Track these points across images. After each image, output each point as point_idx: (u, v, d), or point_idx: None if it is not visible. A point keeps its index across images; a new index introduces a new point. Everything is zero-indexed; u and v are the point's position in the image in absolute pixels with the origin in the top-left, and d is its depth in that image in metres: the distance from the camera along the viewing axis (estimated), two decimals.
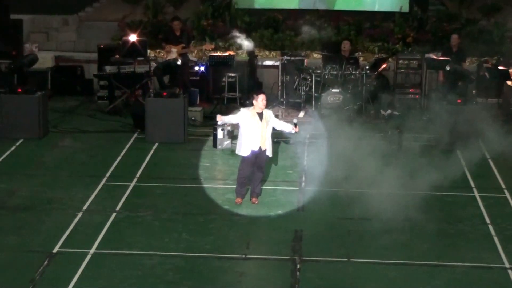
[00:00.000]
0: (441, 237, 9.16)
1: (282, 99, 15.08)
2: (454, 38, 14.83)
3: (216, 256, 8.53)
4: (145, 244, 8.82)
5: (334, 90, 14.08)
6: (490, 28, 16.57)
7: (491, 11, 17.19)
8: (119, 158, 11.91)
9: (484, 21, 16.98)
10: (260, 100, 9.72)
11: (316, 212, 9.83)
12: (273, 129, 10.01)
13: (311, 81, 14.40)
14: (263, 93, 9.92)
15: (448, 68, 13.87)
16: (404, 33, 16.64)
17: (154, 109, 12.70)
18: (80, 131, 13.40)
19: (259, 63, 16.07)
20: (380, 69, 14.89)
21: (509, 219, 9.79)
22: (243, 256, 8.58)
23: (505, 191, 10.76)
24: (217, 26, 17.08)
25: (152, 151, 12.24)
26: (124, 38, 14.99)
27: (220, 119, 10.04)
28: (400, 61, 15.65)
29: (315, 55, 16.22)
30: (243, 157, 9.85)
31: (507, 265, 8.47)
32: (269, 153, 9.89)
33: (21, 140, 12.54)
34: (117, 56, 14.73)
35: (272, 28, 17.09)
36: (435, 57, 14.75)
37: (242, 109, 9.99)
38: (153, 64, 14.76)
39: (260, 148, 9.77)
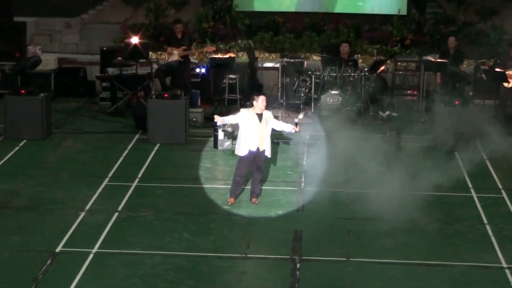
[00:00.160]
0: (440, 237, 9.22)
1: (282, 101, 15.18)
2: (452, 40, 14.90)
3: (216, 256, 8.60)
4: (147, 243, 8.89)
5: (333, 92, 14.17)
6: (487, 31, 16.65)
7: (488, 13, 17.27)
8: (121, 158, 11.99)
9: (481, 24, 17.06)
10: (260, 101, 9.82)
11: (315, 212, 9.89)
12: (273, 130, 10.10)
13: (311, 83, 14.49)
14: (264, 94, 10.03)
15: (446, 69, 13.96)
16: (402, 36, 16.72)
17: (156, 110, 12.78)
18: (83, 132, 13.46)
19: (259, 65, 16.15)
20: (378, 71, 14.96)
21: (506, 220, 9.86)
22: (244, 255, 8.66)
23: (503, 191, 10.82)
24: (218, 28, 17.18)
25: (153, 152, 12.31)
26: (126, 40, 15.08)
27: (218, 120, 10.13)
28: (398, 63, 15.74)
29: (314, 57, 16.30)
30: (241, 157, 9.95)
31: (504, 264, 8.54)
32: (267, 153, 9.98)
33: (24, 141, 12.62)
34: (120, 58, 14.81)
35: (272, 30, 17.19)
36: (432, 59, 14.83)
37: (242, 110, 10.09)
38: (155, 66, 14.84)
39: (258, 148, 9.86)
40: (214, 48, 15.89)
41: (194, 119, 13.77)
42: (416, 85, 15.56)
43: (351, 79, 14.53)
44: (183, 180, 11.08)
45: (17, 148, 12.36)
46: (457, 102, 12.70)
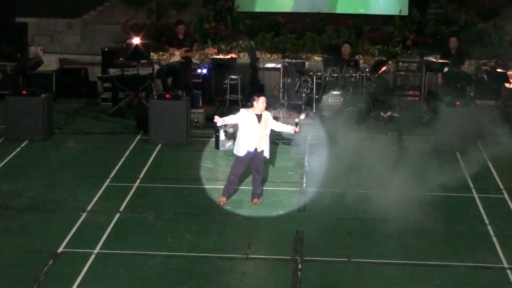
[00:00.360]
0: (441, 237, 9.23)
1: (283, 101, 15.20)
2: (453, 41, 14.92)
3: (218, 256, 8.61)
4: (148, 244, 8.90)
5: (334, 92, 14.18)
6: (488, 31, 16.66)
7: (489, 14, 17.29)
8: (123, 159, 12.00)
9: (482, 24, 17.07)
10: (260, 102, 9.84)
11: (317, 213, 9.90)
12: (272, 130, 10.11)
13: (312, 83, 14.50)
14: (264, 95, 10.05)
15: (446, 70, 13.96)
16: (404, 36, 16.74)
17: (157, 111, 12.80)
18: (84, 132, 13.48)
19: (261, 66, 16.17)
20: (380, 72, 14.97)
21: (507, 220, 9.86)
22: (245, 256, 8.67)
23: (504, 191, 10.82)
24: (219, 29, 17.20)
25: (155, 153, 12.33)
26: (128, 41, 15.10)
27: (218, 120, 10.14)
28: (400, 63, 15.75)
29: (316, 58, 16.31)
30: (239, 157, 9.96)
31: (505, 265, 8.54)
32: (266, 154, 9.99)
33: (26, 142, 12.63)
34: (121, 58, 14.83)
35: (273, 31, 17.21)
36: (434, 60, 14.84)
37: (241, 110, 10.11)
38: (156, 67, 14.86)
39: (256, 149, 9.88)
40: (215, 51, 15.92)
41: (195, 120, 13.78)
42: (417, 85, 15.57)
43: (353, 79, 14.54)
44: (184, 180, 11.10)
45: (19, 149, 12.38)
46: (458, 103, 12.70)
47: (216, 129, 12.45)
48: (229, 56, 15.79)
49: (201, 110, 14.30)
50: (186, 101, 12.98)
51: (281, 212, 9.95)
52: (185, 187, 10.82)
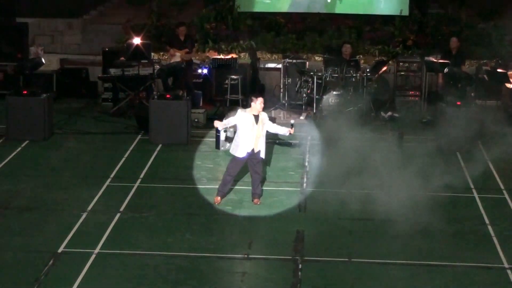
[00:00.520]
0: (441, 237, 9.23)
1: (284, 101, 15.21)
2: (454, 41, 14.92)
3: (218, 256, 8.62)
4: (149, 244, 8.91)
5: (335, 93, 14.19)
6: (489, 31, 16.66)
7: (490, 14, 17.28)
8: (123, 159, 12.01)
9: (483, 24, 17.07)
10: (258, 103, 9.86)
11: (317, 213, 9.91)
12: (267, 131, 10.12)
13: (313, 83, 14.50)
14: (262, 96, 10.06)
15: (446, 70, 13.96)
16: (404, 36, 16.73)
17: (158, 111, 12.80)
18: (85, 132, 13.49)
19: (261, 66, 16.18)
20: (380, 72, 14.98)
21: (508, 220, 9.87)
22: (245, 256, 8.68)
23: (504, 192, 10.83)
24: (220, 29, 17.21)
25: (155, 152, 12.34)
26: (129, 41, 15.11)
27: (219, 125, 10.12)
28: (400, 63, 15.75)
29: (316, 58, 16.32)
30: (235, 157, 9.96)
31: (506, 265, 8.55)
32: (262, 155, 10.00)
33: (26, 142, 12.64)
34: (122, 58, 14.85)
35: (274, 31, 17.22)
36: (434, 60, 14.84)
37: (239, 111, 10.11)
38: (157, 67, 14.87)
39: (253, 149, 9.89)
40: (216, 54, 15.96)
41: (196, 120, 13.79)
42: (418, 86, 15.56)
43: (353, 79, 14.54)
44: (185, 180, 11.10)
45: (19, 148, 12.39)
46: (459, 103, 12.70)
47: (217, 129, 12.45)
48: (229, 56, 15.80)
49: (202, 110, 14.31)
50: (187, 101, 12.99)
51: (282, 212, 9.96)
52: (185, 187, 10.83)
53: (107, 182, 10.93)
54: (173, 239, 9.08)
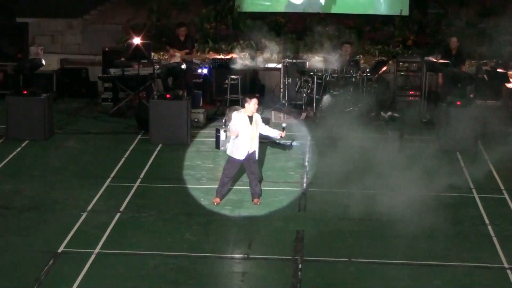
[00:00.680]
0: (441, 237, 9.22)
1: (283, 101, 15.22)
2: (453, 41, 14.92)
3: (218, 256, 8.63)
4: (149, 244, 8.91)
5: (335, 93, 14.20)
6: (489, 31, 16.67)
7: (490, 14, 17.29)
8: (123, 159, 12.01)
9: (483, 24, 17.08)
10: (252, 104, 9.87)
11: (317, 213, 9.91)
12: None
13: (313, 83, 14.52)
14: (256, 97, 10.06)
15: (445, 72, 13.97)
16: (404, 36, 16.75)
17: (158, 111, 12.81)
18: (85, 132, 13.51)
19: (261, 66, 16.19)
20: (380, 72, 14.99)
21: (507, 220, 9.87)
22: (245, 256, 8.68)
23: (504, 192, 10.83)
24: (220, 29, 17.22)
25: (155, 152, 12.34)
26: (129, 41, 15.13)
27: (234, 134, 9.98)
28: (400, 63, 15.76)
29: (316, 58, 16.33)
30: (232, 158, 9.97)
31: (506, 265, 8.55)
32: (257, 155, 10.01)
33: (26, 142, 12.65)
34: (123, 58, 14.86)
35: (274, 31, 17.22)
36: (434, 60, 14.84)
37: (234, 113, 10.10)
38: (157, 67, 14.88)
39: (248, 150, 9.90)
40: (216, 55, 15.97)
41: (196, 120, 13.80)
42: (418, 85, 15.57)
43: (353, 79, 14.56)
44: (185, 180, 11.11)
45: (19, 148, 12.39)
46: (459, 103, 12.71)
47: (217, 129, 12.47)
48: (229, 56, 15.81)
49: (202, 110, 14.32)
50: (187, 101, 13.00)
51: (282, 212, 9.96)
52: (185, 187, 10.83)
53: (107, 182, 10.94)
54: (173, 239, 9.08)
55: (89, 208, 9.99)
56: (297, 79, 15.14)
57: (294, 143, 12.70)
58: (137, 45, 14.71)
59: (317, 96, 14.44)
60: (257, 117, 10.03)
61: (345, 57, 14.89)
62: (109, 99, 15.21)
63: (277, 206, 10.14)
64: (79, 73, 16.21)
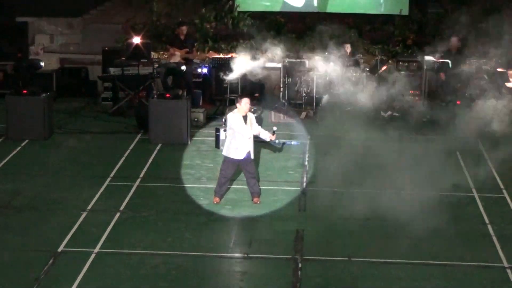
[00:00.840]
0: (441, 237, 9.22)
1: (283, 101, 15.22)
2: (454, 40, 14.92)
3: (218, 256, 8.63)
4: (148, 243, 8.91)
5: (335, 92, 14.20)
6: (489, 30, 16.65)
7: (490, 13, 17.27)
8: (123, 158, 12.02)
9: (483, 24, 17.06)
10: (243, 104, 9.88)
11: (317, 212, 9.91)
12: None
13: (312, 82, 14.51)
14: (247, 97, 10.07)
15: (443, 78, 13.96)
16: (404, 36, 16.74)
17: (158, 111, 12.81)
18: (85, 132, 13.51)
19: (261, 65, 16.15)
20: (380, 71, 14.98)
21: (507, 219, 9.88)
22: (245, 255, 8.69)
23: (504, 191, 10.83)
24: (220, 29, 17.22)
25: (155, 152, 12.34)
26: (128, 40, 15.12)
27: (246, 134, 9.92)
28: (400, 63, 15.75)
29: (316, 57, 16.31)
30: (229, 159, 9.96)
31: (505, 264, 8.56)
32: (252, 154, 10.01)
33: (26, 141, 12.65)
34: (123, 58, 14.86)
35: (274, 30, 17.22)
36: (434, 59, 14.83)
37: (228, 114, 10.11)
38: (156, 65, 14.88)
39: (245, 150, 9.89)
40: (216, 55, 15.97)
41: (195, 119, 13.80)
42: (418, 85, 15.55)
43: (353, 79, 14.54)
44: (185, 180, 11.11)
45: (19, 148, 12.39)
46: (458, 102, 12.71)
47: (217, 129, 12.47)
48: (229, 56, 15.80)
49: (201, 110, 14.32)
50: (186, 100, 13.00)
51: (282, 211, 9.97)
52: (185, 186, 10.83)
53: (107, 182, 10.94)
54: (173, 238, 9.08)
55: (89, 207, 9.98)
56: (297, 79, 15.13)
57: (288, 142, 12.69)
58: (137, 44, 14.71)
59: (317, 96, 14.44)
60: (251, 117, 10.05)
61: (345, 56, 14.88)
62: (109, 98, 15.20)
63: (277, 206, 10.14)
64: (79, 72, 16.21)
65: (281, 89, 15.41)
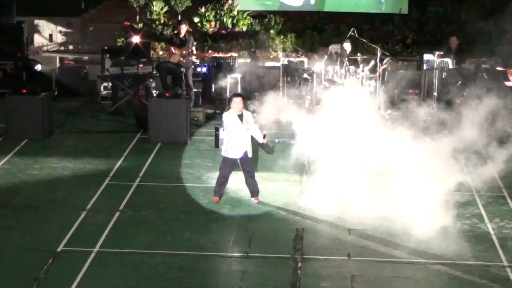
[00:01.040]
0: (441, 235, 9.23)
1: (283, 100, 15.20)
2: (453, 40, 14.93)
3: (218, 255, 8.63)
4: (148, 243, 8.92)
5: (334, 91, 14.18)
6: (489, 29, 16.67)
7: (489, 12, 17.30)
8: (122, 158, 12.01)
9: (482, 23, 17.07)
10: (236, 103, 9.89)
11: (317, 211, 9.92)
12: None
13: (312, 82, 14.52)
14: (239, 96, 10.08)
15: (444, 75, 13.95)
16: (404, 35, 16.74)
17: (157, 110, 12.81)
18: (84, 131, 13.51)
19: (260, 64, 16.18)
20: (379, 70, 14.98)
21: (507, 218, 9.88)
22: (245, 254, 8.69)
23: (504, 190, 10.84)
24: (219, 28, 17.22)
25: (155, 151, 12.34)
26: (128, 39, 15.12)
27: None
28: (400, 62, 15.75)
29: (316, 56, 16.33)
30: (227, 158, 9.96)
31: (505, 263, 8.56)
32: (249, 154, 10.01)
33: (25, 140, 12.65)
34: (123, 57, 14.86)
35: (274, 30, 17.21)
36: (434, 58, 14.83)
37: (224, 114, 10.13)
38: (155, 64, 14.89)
39: (242, 149, 9.90)
40: (215, 54, 15.98)
41: (195, 119, 13.79)
42: (417, 84, 15.56)
43: (353, 78, 14.54)
44: (184, 179, 11.11)
45: (19, 147, 12.39)
46: (458, 101, 12.71)
47: (216, 128, 12.46)
48: (228, 55, 15.80)
49: (201, 109, 14.32)
50: (186, 99, 12.99)
51: (281, 211, 9.96)
52: (185, 186, 10.83)
53: (107, 181, 10.94)
54: (173, 237, 9.08)
55: (89, 207, 9.98)
56: (297, 78, 15.12)
57: (288, 142, 12.67)
58: (136, 43, 14.71)
59: (316, 95, 14.43)
60: (248, 115, 10.04)
61: (344, 55, 14.87)
62: (108, 98, 15.21)
63: (276, 205, 10.13)
64: (78, 71, 16.20)
65: (281, 88, 15.40)
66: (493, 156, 11.85)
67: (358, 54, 15.28)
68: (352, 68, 14.62)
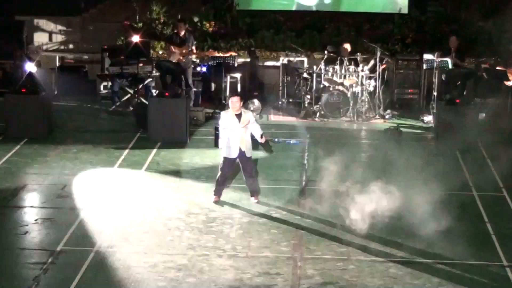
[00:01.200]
0: (440, 235, 9.22)
1: (283, 100, 15.23)
2: (453, 39, 14.93)
3: (217, 254, 8.63)
4: (148, 242, 8.90)
5: (334, 91, 14.21)
6: (488, 29, 16.67)
7: (489, 12, 17.30)
8: (122, 157, 12.02)
9: (482, 22, 17.08)
10: (231, 102, 9.88)
11: (317, 211, 9.91)
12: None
13: (312, 81, 14.53)
14: (237, 95, 10.07)
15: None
16: (403, 34, 16.75)
17: (157, 109, 12.81)
18: (84, 130, 13.51)
19: (260, 64, 16.19)
20: (379, 70, 14.99)
21: (507, 218, 9.89)
22: (245, 254, 8.69)
23: (503, 190, 10.84)
24: (219, 27, 17.22)
25: (154, 150, 12.35)
26: (128, 39, 15.13)
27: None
28: (399, 61, 15.75)
29: (315, 56, 16.34)
30: (227, 158, 9.96)
31: (505, 263, 8.57)
32: (248, 154, 10.01)
33: (25, 140, 12.65)
34: (122, 57, 14.86)
35: (273, 29, 17.23)
36: (434, 58, 14.84)
37: (221, 113, 10.13)
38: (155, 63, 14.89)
39: (240, 149, 9.91)
40: (215, 53, 15.98)
41: (195, 118, 13.80)
42: (417, 83, 15.57)
43: (353, 77, 14.55)
44: (184, 178, 11.11)
45: (18, 146, 12.39)
46: (458, 101, 12.72)
47: (216, 127, 12.47)
48: (228, 54, 15.81)
49: (201, 108, 14.33)
50: (186, 99, 13.00)
51: (281, 210, 9.96)
52: (184, 185, 10.83)
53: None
54: (172, 237, 9.08)
55: (88, 206, 9.97)
56: (296, 78, 15.14)
57: (288, 141, 12.68)
58: (136, 43, 14.71)
59: (316, 95, 14.45)
60: (248, 115, 10.02)
61: (344, 55, 14.88)
62: (108, 97, 15.21)
63: (276, 204, 10.14)
64: (78, 71, 16.20)
65: (280, 88, 15.42)
66: (492, 156, 11.90)
67: (358, 54, 15.31)
68: (351, 67, 14.64)
